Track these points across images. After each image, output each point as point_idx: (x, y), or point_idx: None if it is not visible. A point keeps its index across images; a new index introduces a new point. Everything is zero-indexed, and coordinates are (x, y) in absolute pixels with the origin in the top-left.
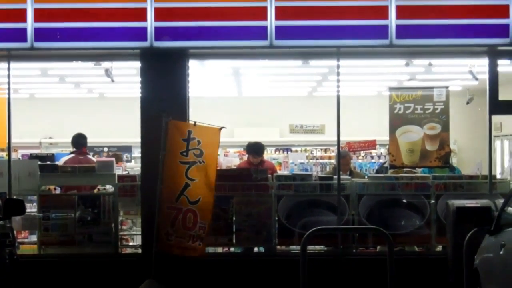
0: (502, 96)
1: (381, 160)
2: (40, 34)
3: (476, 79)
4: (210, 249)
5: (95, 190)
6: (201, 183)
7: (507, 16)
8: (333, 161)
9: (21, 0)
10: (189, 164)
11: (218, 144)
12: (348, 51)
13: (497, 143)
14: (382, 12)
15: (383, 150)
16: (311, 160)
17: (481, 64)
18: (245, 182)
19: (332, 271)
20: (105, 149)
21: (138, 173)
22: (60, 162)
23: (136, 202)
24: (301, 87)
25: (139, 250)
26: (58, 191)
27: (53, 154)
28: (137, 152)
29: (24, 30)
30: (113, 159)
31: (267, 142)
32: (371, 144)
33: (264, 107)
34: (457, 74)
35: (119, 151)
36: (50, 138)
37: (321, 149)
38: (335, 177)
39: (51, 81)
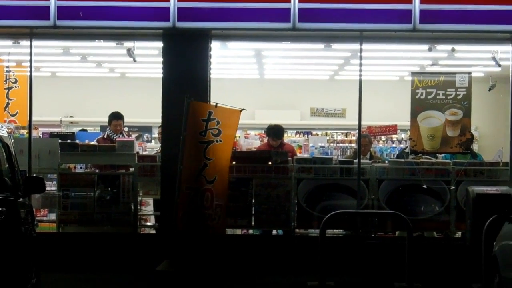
0: None
1: (402, 145)
2: (63, 12)
3: (499, 65)
4: (229, 231)
5: None
6: (217, 162)
7: None
8: (354, 145)
9: None
10: (207, 143)
11: (237, 125)
12: (371, 35)
13: None
14: None
15: (404, 135)
16: (331, 144)
17: (504, 51)
18: (265, 165)
19: (351, 255)
20: (126, 129)
21: (159, 153)
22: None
23: (156, 182)
24: (323, 71)
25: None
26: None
27: (73, 133)
28: (157, 132)
29: (47, 8)
30: (134, 138)
31: (288, 125)
32: (392, 129)
33: (285, 89)
34: (480, 60)
35: (140, 131)
36: (71, 116)
37: (342, 133)
38: (355, 161)
39: (73, 59)
